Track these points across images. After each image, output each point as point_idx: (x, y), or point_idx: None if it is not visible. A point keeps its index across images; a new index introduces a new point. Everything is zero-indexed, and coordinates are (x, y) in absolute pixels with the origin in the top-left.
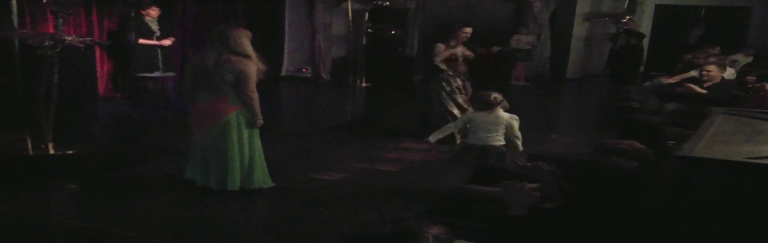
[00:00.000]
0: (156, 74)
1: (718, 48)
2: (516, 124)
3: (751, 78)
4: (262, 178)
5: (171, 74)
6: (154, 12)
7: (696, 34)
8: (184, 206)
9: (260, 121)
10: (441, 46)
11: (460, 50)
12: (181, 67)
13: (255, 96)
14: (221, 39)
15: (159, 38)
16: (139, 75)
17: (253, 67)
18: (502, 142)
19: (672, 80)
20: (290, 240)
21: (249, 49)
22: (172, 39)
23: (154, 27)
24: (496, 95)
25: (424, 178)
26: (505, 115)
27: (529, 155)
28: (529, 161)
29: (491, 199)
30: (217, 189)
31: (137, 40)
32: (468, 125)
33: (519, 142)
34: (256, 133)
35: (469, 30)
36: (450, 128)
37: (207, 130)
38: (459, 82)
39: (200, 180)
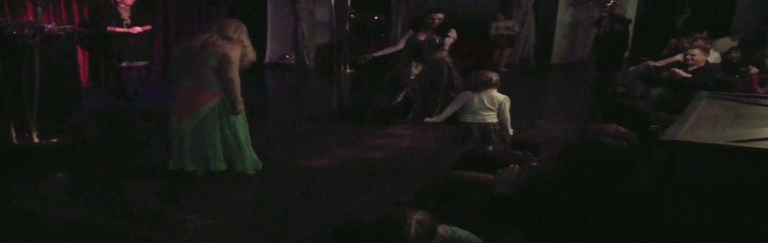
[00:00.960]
0: (132, 63)
1: (706, 33)
2: (507, 105)
3: (735, 54)
4: (251, 162)
5: (141, 63)
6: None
7: (682, 19)
8: (172, 194)
9: (241, 107)
10: (408, 33)
11: (424, 36)
12: (164, 56)
13: (237, 80)
14: (219, 25)
15: (129, 26)
16: (117, 64)
17: (238, 52)
18: (497, 120)
19: (658, 64)
20: (281, 227)
21: (244, 38)
22: (148, 27)
23: (126, 15)
24: (493, 75)
25: (411, 164)
26: (500, 96)
27: (514, 141)
28: (514, 147)
29: (478, 184)
30: (202, 173)
31: (106, 29)
32: (466, 105)
33: (508, 125)
34: (242, 118)
35: (439, 15)
36: (451, 109)
37: (187, 117)
38: (418, 68)
39: (186, 166)
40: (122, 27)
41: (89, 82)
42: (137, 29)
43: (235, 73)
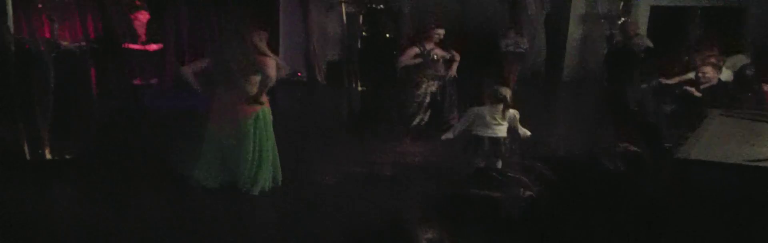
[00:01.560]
0: (139, 81)
1: (716, 49)
2: (518, 118)
3: (749, 72)
4: (269, 177)
5: (153, 80)
6: (142, 16)
7: (694, 35)
8: (185, 207)
9: (262, 100)
10: (410, 49)
11: (438, 52)
12: (175, 71)
13: (272, 78)
14: (240, 38)
15: (145, 43)
16: (130, 81)
17: (273, 62)
18: (506, 134)
19: (670, 82)
20: (292, 242)
21: (264, 48)
22: (160, 45)
23: (141, 31)
24: (505, 91)
25: (421, 181)
26: (511, 110)
27: (525, 157)
28: (525, 163)
29: (488, 202)
30: (228, 186)
31: (123, 45)
32: (478, 119)
33: (520, 129)
34: (271, 133)
35: (440, 31)
36: (462, 124)
37: (226, 126)
38: (435, 85)
39: (213, 181)
40: (137, 44)
41: (101, 98)
42: (153, 47)
43: (273, 74)
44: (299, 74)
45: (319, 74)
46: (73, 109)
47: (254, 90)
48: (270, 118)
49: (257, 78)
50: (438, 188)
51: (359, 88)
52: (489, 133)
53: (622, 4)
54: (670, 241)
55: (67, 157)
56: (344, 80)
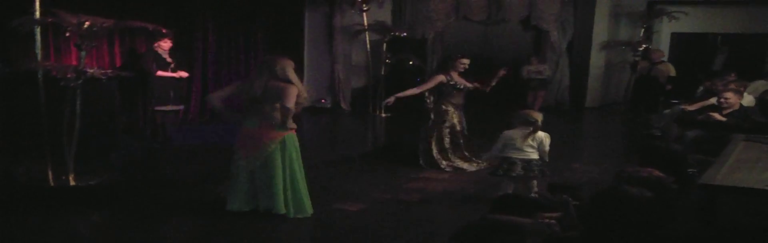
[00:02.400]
0: (170, 107)
1: (734, 74)
2: (547, 142)
3: None
4: (301, 205)
5: (181, 107)
6: (165, 44)
7: (719, 61)
8: (210, 234)
9: (292, 124)
10: (436, 77)
11: (461, 81)
12: (201, 97)
13: (292, 109)
14: (270, 67)
15: (174, 70)
16: (155, 108)
17: (295, 91)
18: (538, 157)
19: (692, 108)
20: None
21: (293, 77)
22: (186, 74)
23: (169, 59)
24: (538, 116)
25: (447, 207)
26: (541, 133)
27: (550, 184)
28: (551, 190)
29: (515, 229)
30: (264, 211)
31: (156, 72)
32: (509, 143)
33: (545, 155)
34: (298, 160)
35: (466, 61)
36: (496, 148)
37: (254, 155)
38: (456, 115)
39: (246, 206)
40: (166, 70)
41: (126, 125)
42: (183, 74)
43: (291, 105)
44: (323, 101)
45: (343, 101)
46: (99, 136)
47: (279, 116)
48: (296, 143)
49: (280, 103)
50: (462, 214)
51: (383, 115)
52: (521, 155)
53: (643, 30)
54: None
55: (91, 183)
56: (368, 107)
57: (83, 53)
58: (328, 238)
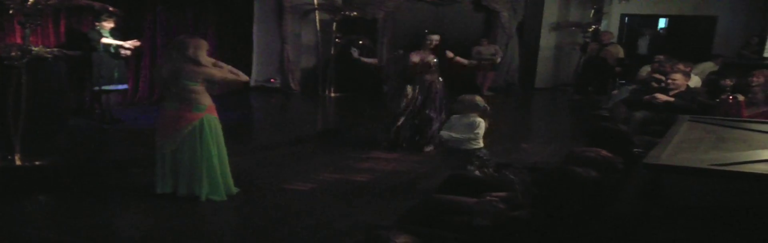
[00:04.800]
0: (111, 87)
1: (662, 56)
2: (483, 126)
3: (729, 82)
4: (216, 186)
5: (125, 86)
6: (108, 24)
7: (643, 43)
8: (155, 217)
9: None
10: (414, 55)
11: (418, 57)
12: (150, 78)
13: (226, 79)
14: (179, 48)
15: (115, 49)
16: (99, 88)
17: (202, 72)
18: (481, 145)
19: (639, 88)
20: None
21: (203, 58)
22: (137, 42)
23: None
24: (481, 101)
25: (396, 187)
26: (479, 119)
27: (498, 164)
28: (498, 170)
29: (462, 209)
30: (186, 195)
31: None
32: (452, 129)
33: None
34: (216, 140)
35: (436, 37)
36: (443, 134)
37: (171, 136)
38: (412, 92)
39: (170, 188)
40: (108, 50)
41: (73, 105)
42: (130, 42)
43: (220, 76)
44: (272, 80)
45: (292, 81)
46: (46, 116)
47: (192, 98)
48: (217, 125)
49: (194, 87)
50: (411, 194)
51: (333, 95)
52: (465, 144)
53: (593, 12)
54: None
55: (37, 163)
56: (318, 87)
57: (27, 32)
58: (278, 218)
